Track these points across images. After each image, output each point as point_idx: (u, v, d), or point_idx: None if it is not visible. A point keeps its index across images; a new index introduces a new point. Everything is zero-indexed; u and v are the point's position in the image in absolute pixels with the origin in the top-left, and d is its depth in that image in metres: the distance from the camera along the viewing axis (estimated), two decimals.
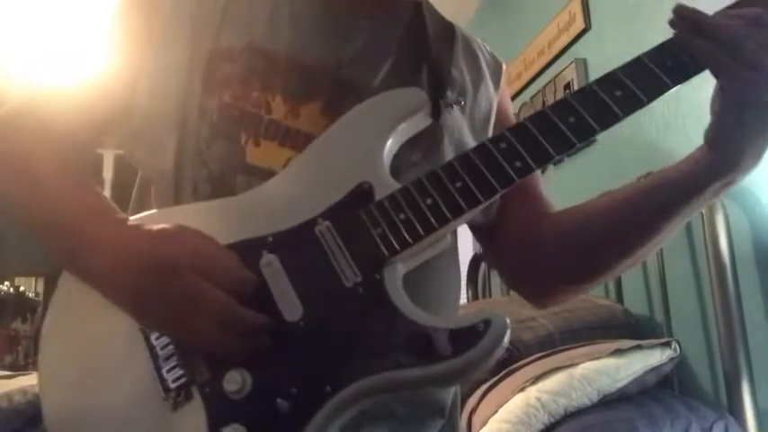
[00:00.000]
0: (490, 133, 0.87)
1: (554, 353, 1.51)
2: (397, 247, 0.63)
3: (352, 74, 0.77)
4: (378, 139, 0.71)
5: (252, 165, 0.72)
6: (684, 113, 1.67)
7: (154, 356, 0.62)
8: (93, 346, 0.65)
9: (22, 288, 5.62)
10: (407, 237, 0.64)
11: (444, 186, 0.66)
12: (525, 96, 2.49)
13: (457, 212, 0.65)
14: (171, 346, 0.62)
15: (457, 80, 0.83)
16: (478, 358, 0.58)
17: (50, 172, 0.70)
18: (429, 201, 0.65)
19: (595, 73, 2.06)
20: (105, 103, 0.76)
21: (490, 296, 2.43)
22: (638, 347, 1.44)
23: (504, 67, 0.93)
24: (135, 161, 0.79)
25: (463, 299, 2.58)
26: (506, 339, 0.58)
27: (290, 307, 0.62)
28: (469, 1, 3.08)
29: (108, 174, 4.58)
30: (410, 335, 0.60)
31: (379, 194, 0.66)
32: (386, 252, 0.63)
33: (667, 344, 1.46)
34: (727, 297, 1.39)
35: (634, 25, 1.86)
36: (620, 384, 1.38)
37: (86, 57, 0.79)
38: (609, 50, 1.99)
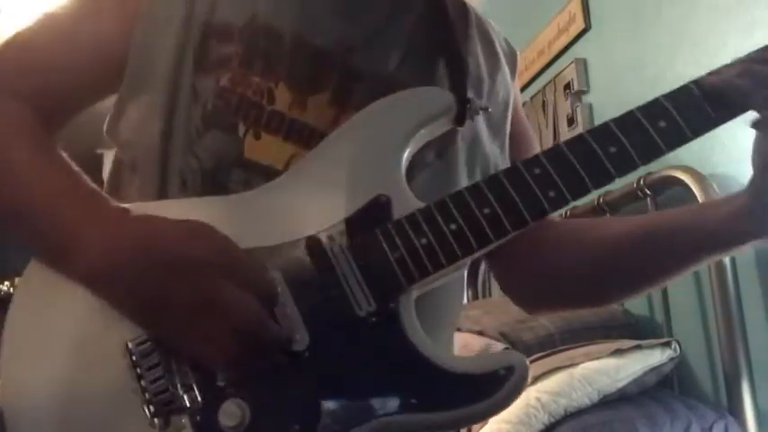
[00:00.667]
0: (508, 129, 0.82)
1: (554, 353, 1.51)
2: (416, 275, 0.58)
3: (363, 60, 0.70)
4: (397, 145, 0.64)
5: (250, 160, 0.65)
6: None
7: (138, 376, 0.55)
8: (65, 361, 0.57)
9: None
10: (428, 266, 0.58)
11: (471, 211, 0.60)
12: (525, 96, 2.49)
13: (483, 242, 0.60)
14: (160, 367, 0.55)
15: (473, 70, 0.76)
16: (498, 406, 0.55)
17: (23, 156, 0.62)
18: (453, 226, 0.59)
19: (595, 73, 2.06)
20: (90, 51, 0.68)
21: (490, 296, 2.43)
22: (638, 347, 1.43)
23: (518, 55, 0.86)
24: (118, 141, 0.71)
25: (463, 299, 2.57)
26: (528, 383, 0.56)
27: (296, 334, 0.56)
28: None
29: (108, 174, 4.56)
30: (426, 375, 0.56)
31: (398, 211, 0.61)
32: (404, 281, 0.58)
33: (667, 344, 1.46)
34: (727, 297, 1.38)
35: (634, 25, 1.86)
36: (620, 384, 1.38)
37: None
38: (609, 50, 1.99)
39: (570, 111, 2.12)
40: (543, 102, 2.32)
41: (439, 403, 0.55)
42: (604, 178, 0.61)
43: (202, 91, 0.66)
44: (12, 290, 5.48)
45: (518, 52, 0.88)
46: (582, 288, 0.79)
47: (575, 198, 0.60)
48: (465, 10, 0.81)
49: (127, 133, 0.69)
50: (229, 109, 0.66)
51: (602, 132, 0.61)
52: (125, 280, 0.56)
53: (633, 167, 0.61)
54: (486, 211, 0.60)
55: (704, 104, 0.61)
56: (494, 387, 0.55)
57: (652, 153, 0.61)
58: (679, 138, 0.61)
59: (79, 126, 0.76)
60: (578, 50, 2.16)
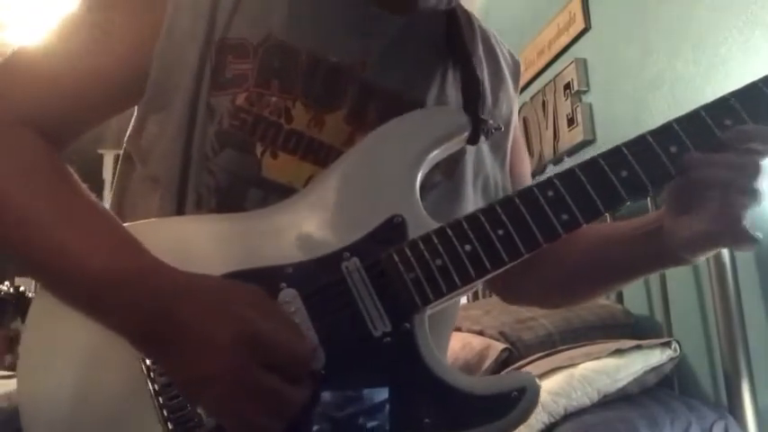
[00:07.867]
0: (509, 146, 0.83)
1: (554, 353, 1.51)
2: (431, 296, 0.59)
3: (377, 75, 0.70)
4: (411, 166, 0.65)
5: (268, 179, 0.65)
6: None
7: (156, 392, 0.56)
8: (80, 364, 0.58)
9: (22, 288, 5.60)
10: (443, 287, 0.59)
11: (485, 233, 0.60)
12: (525, 96, 2.49)
13: (498, 264, 0.60)
14: (179, 397, 0.55)
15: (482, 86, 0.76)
16: (511, 426, 0.56)
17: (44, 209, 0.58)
18: (468, 247, 0.59)
19: (595, 73, 2.07)
20: (98, 76, 0.65)
21: (490, 296, 2.43)
22: (638, 347, 1.44)
23: (521, 65, 0.87)
24: (139, 155, 0.70)
25: (463, 299, 2.58)
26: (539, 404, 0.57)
27: (313, 354, 0.56)
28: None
29: (108, 174, 4.56)
30: (440, 396, 0.57)
31: (413, 232, 0.61)
32: (419, 302, 0.59)
33: (667, 344, 1.46)
34: (727, 297, 1.39)
35: (634, 25, 1.86)
36: (620, 384, 1.38)
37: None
38: (609, 50, 1.99)
39: (570, 111, 2.12)
40: (543, 102, 2.32)
41: (452, 424, 0.56)
42: (615, 201, 0.61)
43: (218, 108, 0.66)
44: (12, 290, 5.50)
45: (519, 60, 0.88)
46: (561, 289, 0.84)
47: (588, 221, 0.61)
48: (471, 21, 0.81)
49: (148, 148, 0.69)
50: (245, 129, 0.65)
51: (615, 155, 0.62)
52: (160, 346, 0.54)
53: (645, 194, 0.62)
54: (501, 232, 0.60)
55: (711, 124, 0.63)
56: (506, 408, 0.56)
57: (661, 178, 0.62)
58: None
59: None
60: (578, 50, 2.16)
